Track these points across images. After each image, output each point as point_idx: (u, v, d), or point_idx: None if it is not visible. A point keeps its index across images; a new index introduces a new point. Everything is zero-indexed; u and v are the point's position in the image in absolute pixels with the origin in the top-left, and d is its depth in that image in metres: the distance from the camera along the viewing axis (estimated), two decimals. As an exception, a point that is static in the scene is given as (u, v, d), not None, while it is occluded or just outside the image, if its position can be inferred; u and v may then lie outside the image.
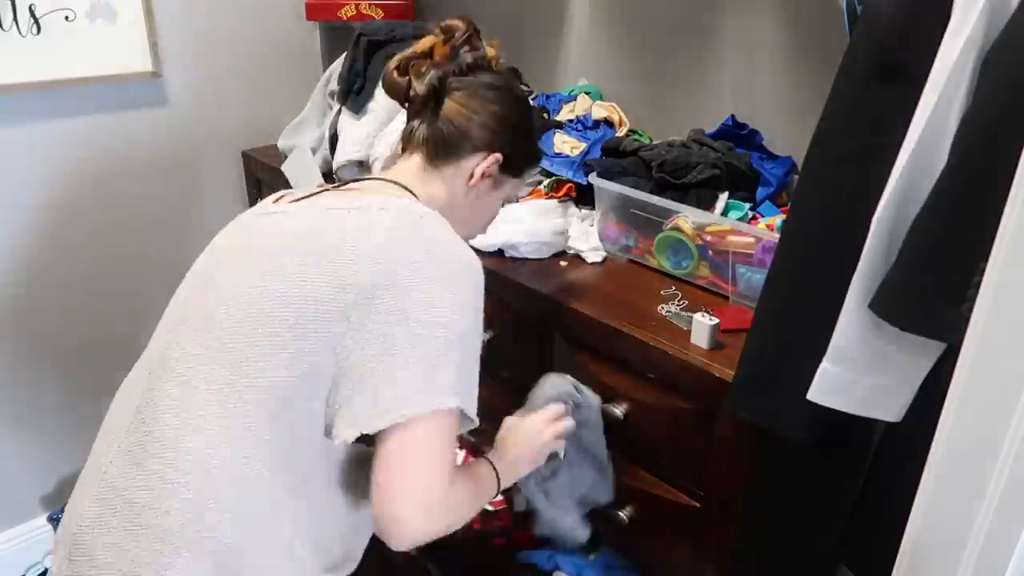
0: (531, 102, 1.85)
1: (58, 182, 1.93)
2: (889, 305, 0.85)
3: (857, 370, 0.92)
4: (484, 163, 1.12)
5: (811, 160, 0.92)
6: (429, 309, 0.91)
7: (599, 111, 1.74)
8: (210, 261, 1.07)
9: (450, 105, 1.10)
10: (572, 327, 1.35)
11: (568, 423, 1.21)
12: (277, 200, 1.10)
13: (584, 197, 1.60)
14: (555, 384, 1.26)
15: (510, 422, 1.21)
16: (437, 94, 1.10)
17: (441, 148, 1.11)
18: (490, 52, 1.15)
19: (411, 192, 1.08)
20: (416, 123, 1.13)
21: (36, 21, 1.76)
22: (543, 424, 1.19)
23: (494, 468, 1.10)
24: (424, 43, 1.13)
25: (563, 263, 1.50)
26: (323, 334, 0.91)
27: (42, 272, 1.96)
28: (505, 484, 1.12)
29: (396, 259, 0.92)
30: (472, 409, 0.96)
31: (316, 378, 0.92)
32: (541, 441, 1.18)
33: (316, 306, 0.91)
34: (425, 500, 0.91)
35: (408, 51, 1.14)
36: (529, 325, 1.44)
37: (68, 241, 1.98)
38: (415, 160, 1.13)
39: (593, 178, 1.49)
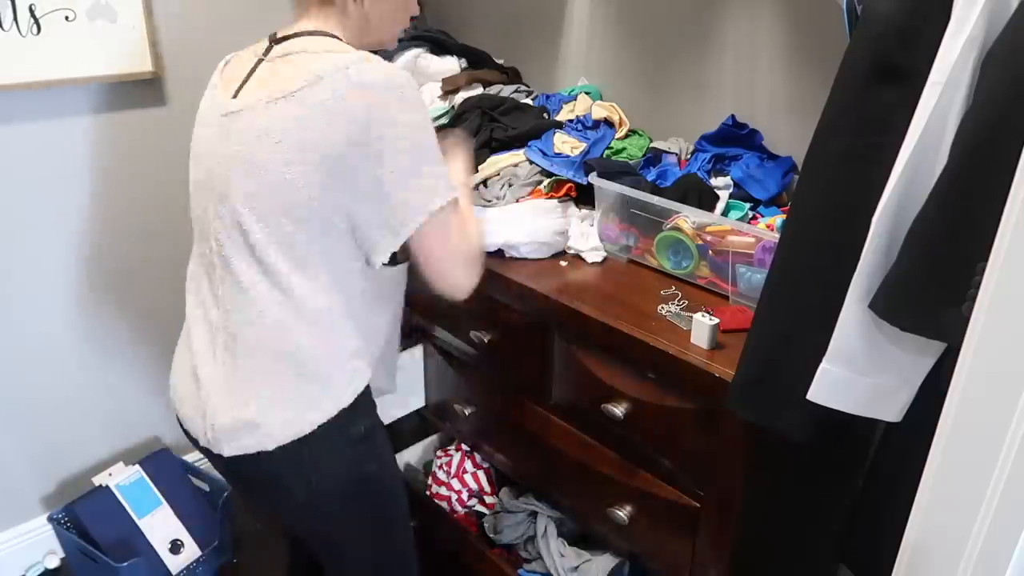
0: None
1: (58, 182, 1.92)
2: (889, 305, 0.85)
3: (857, 370, 0.92)
4: None
5: (811, 160, 0.92)
6: (393, 143, 1.04)
7: (599, 111, 1.74)
8: (209, 171, 1.16)
9: None
10: (572, 327, 1.35)
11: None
12: (230, 87, 1.18)
13: (584, 197, 1.60)
14: None
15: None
16: None
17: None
18: None
19: (331, 35, 1.17)
20: None
21: (36, 21, 1.75)
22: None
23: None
24: None
25: (563, 263, 1.50)
26: (328, 205, 1.07)
27: (41, 272, 1.96)
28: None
29: (347, 123, 1.03)
30: (455, 186, 1.14)
31: (338, 233, 1.10)
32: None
33: (309, 191, 1.05)
34: (466, 263, 1.17)
35: None
36: (529, 325, 1.44)
37: (67, 242, 1.98)
38: (314, 8, 1.20)
39: (593, 178, 1.49)
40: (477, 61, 1.94)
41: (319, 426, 1.13)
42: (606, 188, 1.47)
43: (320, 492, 1.17)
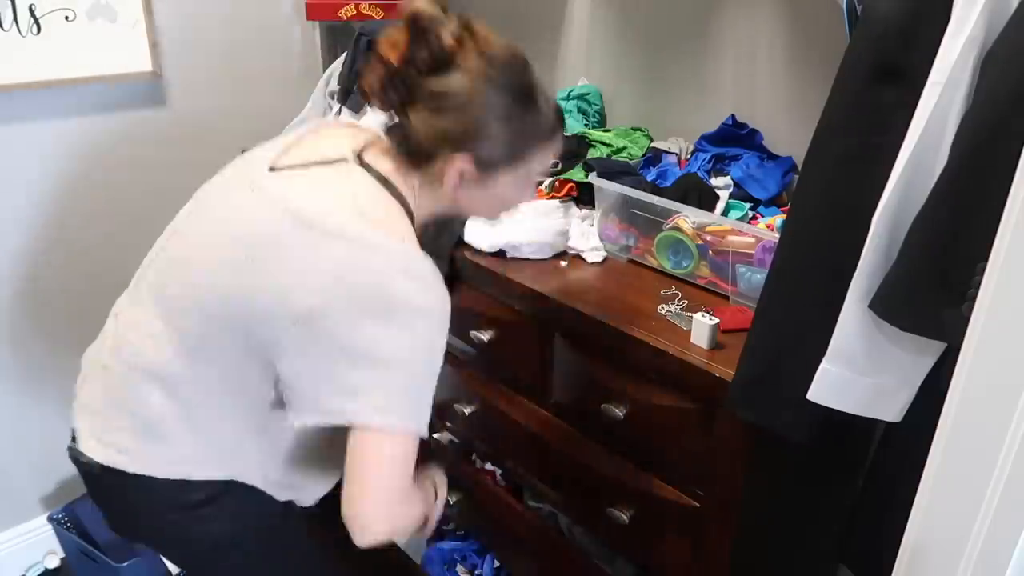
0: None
1: (58, 182, 1.92)
2: (889, 305, 0.85)
3: (857, 370, 0.92)
4: (451, 167, 1.03)
5: (811, 160, 0.92)
6: (366, 342, 0.95)
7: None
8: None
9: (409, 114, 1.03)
10: (572, 327, 1.35)
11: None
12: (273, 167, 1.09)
13: (584, 197, 1.60)
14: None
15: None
16: (393, 105, 1.04)
17: (405, 156, 1.06)
18: (448, 42, 0.98)
19: (389, 183, 1.05)
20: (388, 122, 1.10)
21: (36, 21, 1.75)
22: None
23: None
24: (384, 45, 1.01)
25: (563, 263, 1.50)
26: (267, 338, 0.99)
27: (42, 271, 1.96)
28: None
29: (339, 295, 0.95)
30: (420, 426, 1.01)
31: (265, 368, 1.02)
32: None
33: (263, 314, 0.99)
34: (387, 503, 1.00)
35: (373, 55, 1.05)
36: (529, 325, 1.44)
37: (67, 241, 1.98)
38: (390, 156, 1.08)
39: (593, 178, 1.49)
40: (477, 61, 1.94)
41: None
42: (606, 188, 1.47)
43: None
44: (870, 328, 0.89)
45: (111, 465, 1.10)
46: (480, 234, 1.51)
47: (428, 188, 1.07)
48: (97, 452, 1.12)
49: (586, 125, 1.85)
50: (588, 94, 1.86)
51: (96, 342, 1.27)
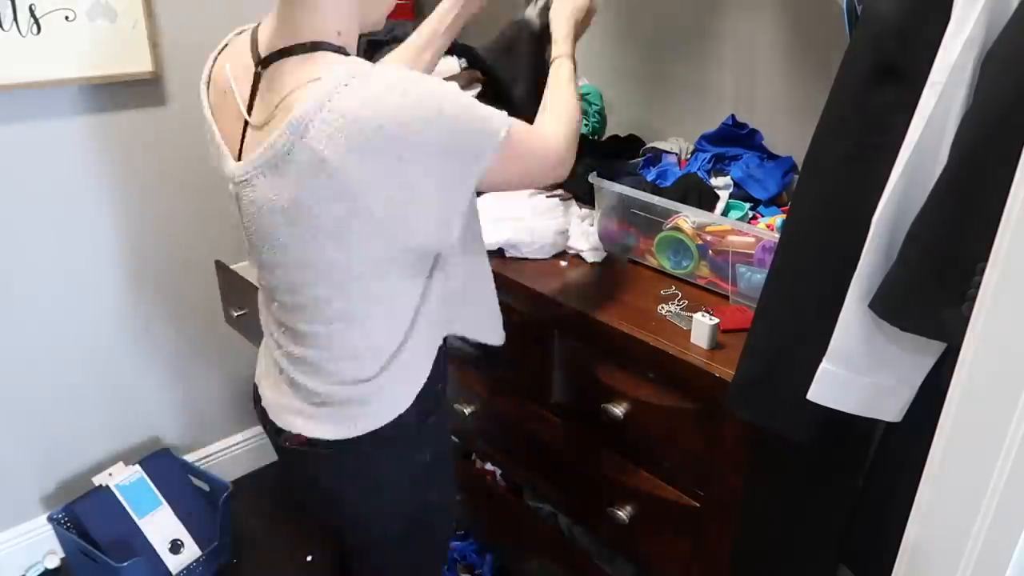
0: None
1: (57, 182, 1.92)
2: (889, 305, 0.85)
3: (857, 370, 0.92)
4: None
5: (811, 160, 0.92)
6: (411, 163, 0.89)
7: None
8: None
9: None
10: (572, 327, 1.35)
11: None
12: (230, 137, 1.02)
13: (584, 197, 1.60)
14: None
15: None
16: None
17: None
18: None
19: (325, 45, 0.93)
20: None
21: (36, 21, 1.75)
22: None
23: (565, 59, 1.23)
24: None
25: (563, 263, 1.50)
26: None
27: (42, 271, 1.96)
28: (573, 51, 1.26)
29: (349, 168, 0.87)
30: (494, 127, 0.95)
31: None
32: (577, 14, 1.30)
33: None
34: (554, 164, 1.07)
35: None
36: (529, 325, 1.44)
37: (65, 242, 1.98)
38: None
39: (593, 178, 1.49)
40: (477, 60, 1.93)
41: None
42: (606, 188, 1.47)
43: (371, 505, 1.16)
44: (870, 328, 0.89)
45: None
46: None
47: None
48: None
49: (586, 125, 1.85)
50: (588, 94, 1.86)
51: None
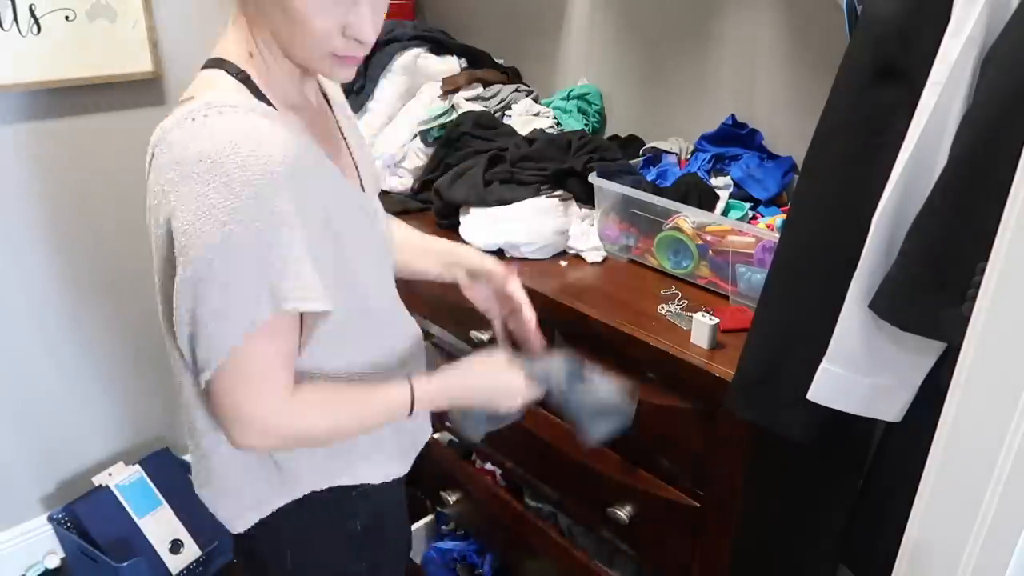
0: None
1: (57, 182, 1.92)
2: (889, 304, 0.85)
3: (857, 370, 0.92)
4: None
5: (812, 160, 0.92)
6: (181, 240, 0.81)
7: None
8: None
9: None
10: (572, 327, 1.35)
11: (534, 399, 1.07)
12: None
13: (584, 196, 1.60)
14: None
15: (492, 359, 1.06)
16: None
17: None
18: None
19: (227, 65, 0.89)
20: None
21: (36, 21, 1.75)
22: (523, 391, 1.04)
23: (412, 387, 0.98)
24: None
25: (563, 263, 1.50)
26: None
27: (40, 272, 1.96)
28: (428, 406, 1.01)
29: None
30: (292, 299, 0.82)
31: None
32: (508, 404, 1.04)
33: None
34: (253, 428, 0.87)
35: None
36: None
37: (66, 242, 1.98)
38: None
39: (593, 178, 1.49)
40: (477, 61, 1.94)
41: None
42: (607, 188, 1.47)
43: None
44: (870, 328, 0.89)
45: None
46: (479, 233, 1.51)
47: (250, 24, 0.89)
48: None
49: (586, 125, 1.84)
50: (588, 94, 1.86)
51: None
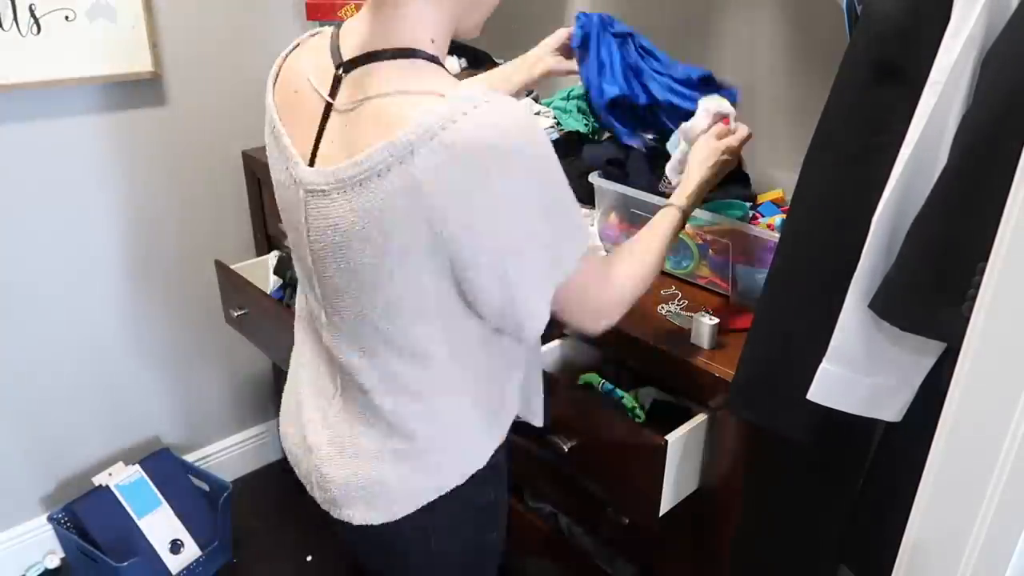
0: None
1: (57, 183, 1.92)
2: (889, 305, 0.85)
3: (857, 370, 0.92)
4: None
5: (811, 160, 0.92)
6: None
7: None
8: (295, 241, 1.02)
9: None
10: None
11: (742, 130, 1.22)
12: (303, 141, 0.93)
13: (584, 196, 1.60)
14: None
15: (703, 141, 1.20)
16: None
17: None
18: None
19: (419, 53, 0.86)
20: None
21: (36, 21, 1.75)
22: (716, 141, 1.19)
23: (676, 209, 1.12)
24: None
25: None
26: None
27: (41, 271, 1.96)
28: (694, 205, 1.15)
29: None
30: (582, 239, 0.91)
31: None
32: (719, 160, 1.18)
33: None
34: (601, 315, 1.00)
35: None
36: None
37: (65, 242, 1.98)
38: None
39: (593, 178, 1.49)
40: (477, 61, 1.94)
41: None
42: (605, 188, 1.47)
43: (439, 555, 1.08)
44: (870, 328, 0.89)
45: None
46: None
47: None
48: None
49: (585, 125, 1.84)
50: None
51: None
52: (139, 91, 1.97)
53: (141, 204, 2.06)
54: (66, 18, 1.79)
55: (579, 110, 1.87)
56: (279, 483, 2.43)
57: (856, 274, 0.87)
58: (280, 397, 1.16)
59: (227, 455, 2.47)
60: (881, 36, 0.82)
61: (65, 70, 1.84)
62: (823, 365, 0.92)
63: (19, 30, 1.74)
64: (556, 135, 1.78)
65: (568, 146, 1.71)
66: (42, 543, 2.14)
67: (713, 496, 1.23)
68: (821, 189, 0.91)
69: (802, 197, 0.94)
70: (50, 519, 2.06)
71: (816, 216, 0.92)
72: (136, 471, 2.12)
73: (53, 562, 2.15)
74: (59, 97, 1.86)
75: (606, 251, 1.51)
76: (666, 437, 1.11)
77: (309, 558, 2.21)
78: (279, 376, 2.38)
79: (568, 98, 1.88)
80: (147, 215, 2.08)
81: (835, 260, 0.90)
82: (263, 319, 1.91)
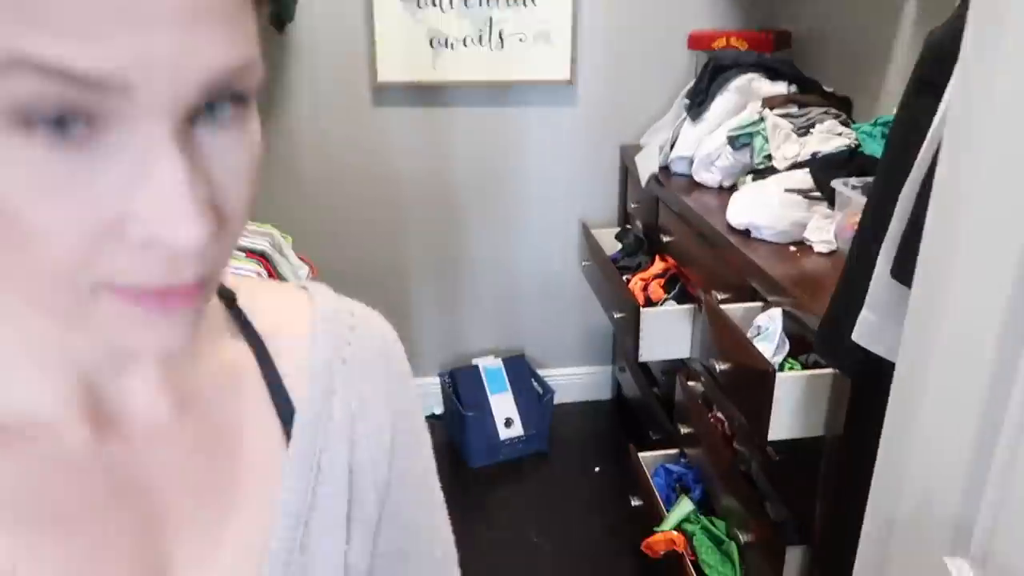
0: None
1: (500, 146, 2.82)
2: (898, 267, 1.09)
3: (886, 319, 1.15)
4: None
5: (885, 149, 1.18)
6: None
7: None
8: None
9: None
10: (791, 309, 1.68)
11: None
12: None
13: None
14: None
15: None
16: None
17: None
18: None
19: None
20: None
21: (501, 40, 2.64)
22: None
23: None
24: None
25: (792, 248, 1.80)
26: None
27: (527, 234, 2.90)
28: None
29: None
30: None
31: None
32: None
33: None
34: None
35: None
36: (743, 290, 1.79)
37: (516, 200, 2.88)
38: None
39: (836, 183, 1.76)
40: (805, 87, 2.26)
41: None
42: (846, 195, 1.73)
43: None
44: (893, 284, 1.13)
45: None
46: (734, 207, 1.90)
47: None
48: None
49: (887, 149, 2.04)
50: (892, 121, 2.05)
51: None
52: (559, 93, 2.75)
53: (540, 176, 2.85)
54: (519, 39, 2.64)
55: (882, 136, 2.08)
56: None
57: (887, 236, 1.12)
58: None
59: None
60: (926, 56, 1.07)
61: (515, 74, 2.70)
62: (863, 312, 1.18)
63: (490, 47, 2.64)
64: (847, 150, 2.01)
65: (852, 164, 1.96)
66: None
67: (832, 448, 1.47)
68: (883, 170, 1.17)
69: (875, 175, 1.20)
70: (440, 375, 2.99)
71: (878, 191, 1.18)
72: (497, 362, 2.93)
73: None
74: (512, 93, 2.72)
75: (837, 247, 1.76)
76: (779, 371, 1.42)
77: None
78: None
79: (875, 124, 2.10)
80: (547, 181, 2.87)
81: (885, 226, 1.15)
82: (602, 271, 2.52)
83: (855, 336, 1.20)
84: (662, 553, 1.98)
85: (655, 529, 2.02)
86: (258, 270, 2.12)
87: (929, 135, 1.05)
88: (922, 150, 1.06)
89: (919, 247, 1.01)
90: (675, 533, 1.97)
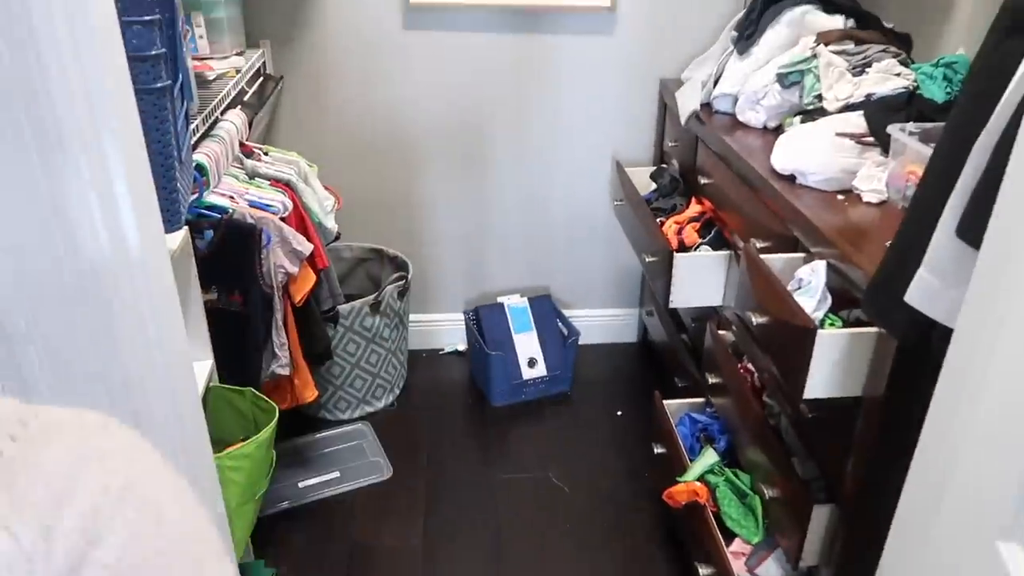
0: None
1: (548, 72, 2.70)
2: (963, 225, 1.00)
3: (946, 281, 1.07)
4: None
5: (957, 98, 1.07)
6: None
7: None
8: None
9: None
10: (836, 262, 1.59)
11: None
12: None
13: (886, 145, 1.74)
14: None
15: None
16: None
17: None
18: None
19: None
20: None
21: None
22: None
23: None
24: None
25: (841, 197, 1.70)
26: None
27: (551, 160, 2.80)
28: None
29: None
30: None
31: None
32: None
33: None
34: None
35: None
36: (785, 239, 1.70)
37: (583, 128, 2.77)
38: None
39: (892, 128, 1.65)
40: (864, 22, 2.11)
41: None
42: (902, 140, 1.62)
43: None
44: (958, 244, 1.04)
45: None
46: (780, 151, 1.79)
47: None
48: None
49: (948, 92, 1.91)
50: (956, 63, 1.90)
51: None
52: (598, 20, 2.61)
53: (573, 109, 2.74)
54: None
55: (944, 77, 1.94)
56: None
57: (953, 193, 1.03)
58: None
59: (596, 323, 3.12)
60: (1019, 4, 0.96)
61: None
62: (919, 271, 1.09)
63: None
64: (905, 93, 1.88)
65: (909, 108, 1.83)
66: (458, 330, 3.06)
67: (870, 409, 1.40)
68: (954, 123, 1.06)
69: (944, 129, 1.10)
70: (464, 313, 2.95)
71: (945, 145, 1.08)
72: (523, 301, 2.88)
73: (462, 347, 3.06)
74: (547, 19, 2.59)
75: (887, 197, 1.66)
76: (820, 328, 1.35)
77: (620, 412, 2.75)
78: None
79: (936, 65, 1.96)
80: (580, 115, 2.76)
81: (952, 182, 1.06)
82: (634, 212, 2.43)
83: (908, 297, 1.12)
84: (683, 504, 1.95)
85: (678, 479, 1.99)
86: (283, 199, 2.07)
87: (1015, 80, 0.94)
88: (1006, 94, 0.96)
89: (992, 205, 0.92)
90: (698, 484, 1.93)
